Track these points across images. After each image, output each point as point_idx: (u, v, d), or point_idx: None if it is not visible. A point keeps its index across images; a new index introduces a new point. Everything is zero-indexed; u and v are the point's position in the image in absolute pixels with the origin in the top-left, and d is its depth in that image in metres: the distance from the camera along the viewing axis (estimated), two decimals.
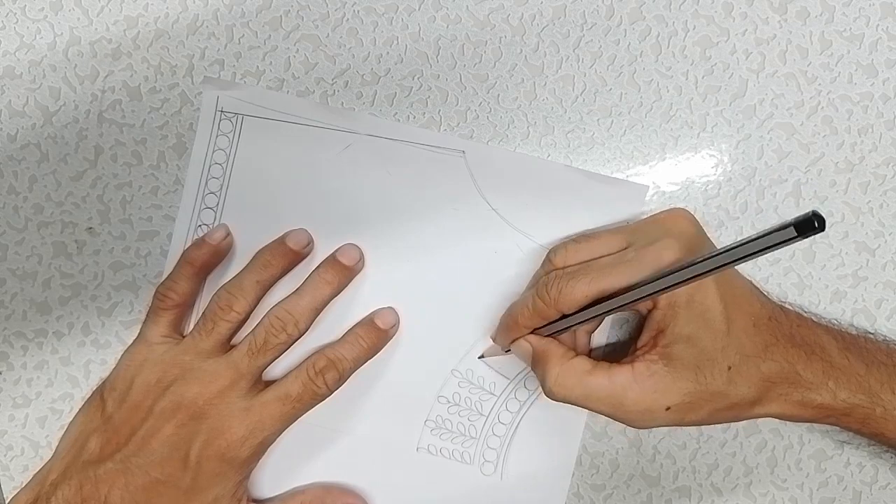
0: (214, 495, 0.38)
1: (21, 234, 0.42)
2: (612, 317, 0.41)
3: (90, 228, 0.42)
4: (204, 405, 0.38)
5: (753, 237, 0.23)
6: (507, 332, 0.39)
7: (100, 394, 0.40)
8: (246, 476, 0.40)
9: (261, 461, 0.40)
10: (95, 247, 0.42)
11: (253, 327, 0.40)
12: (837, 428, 0.38)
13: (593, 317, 0.35)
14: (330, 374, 0.39)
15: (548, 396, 0.36)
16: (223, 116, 0.42)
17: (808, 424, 0.42)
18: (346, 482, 0.42)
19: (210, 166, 0.42)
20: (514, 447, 0.42)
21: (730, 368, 0.35)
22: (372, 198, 0.42)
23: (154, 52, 0.42)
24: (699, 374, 0.35)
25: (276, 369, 0.41)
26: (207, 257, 0.41)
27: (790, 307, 0.39)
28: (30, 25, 0.42)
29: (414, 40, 0.42)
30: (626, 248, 0.36)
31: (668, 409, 0.35)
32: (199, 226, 0.42)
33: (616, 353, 0.41)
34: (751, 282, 0.38)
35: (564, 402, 0.36)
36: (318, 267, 0.41)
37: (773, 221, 0.42)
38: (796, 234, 0.21)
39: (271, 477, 0.42)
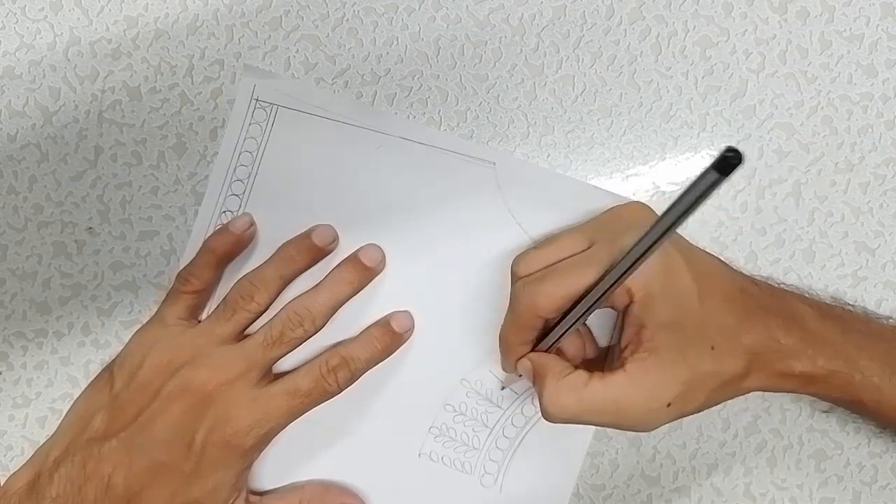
0: (215, 482, 0.38)
1: (21, 234, 0.42)
2: (610, 323, 0.41)
3: (90, 228, 0.42)
4: (213, 391, 0.38)
5: (683, 192, 0.24)
6: (505, 355, 0.39)
7: (109, 371, 0.40)
8: (248, 466, 0.39)
9: (261, 453, 0.40)
10: (95, 247, 0.42)
11: (268, 319, 0.40)
12: (818, 399, 0.38)
13: (577, 318, 0.34)
14: (342, 372, 0.39)
15: (545, 419, 0.35)
16: (258, 105, 0.42)
17: (808, 425, 0.42)
18: (346, 481, 0.42)
19: (240, 154, 0.42)
20: (515, 462, 0.42)
21: (713, 348, 0.35)
22: (398, 200, 0.41)
23: (154, 52, 0.42)
24: (687, 357, 0.35)
25: (286, 363, 0.40)
26: (229, 247, 0.41)
27: (760, 278, 0.39)
28: (30, 25, 0.42)
29: (414, 40, 0.42)
30: (589, 248, 0.36)
31: (669, 404, 0.35)
32: (224, 212, 0.42)
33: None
34: (718, 258, 0.38)
35: (563, 422, 0.35)
36: (339, 265, 0.41)
37: (773, 221, 0.42)
38: (719, 175, 0.22)
39: (271, 470, 0.42)
